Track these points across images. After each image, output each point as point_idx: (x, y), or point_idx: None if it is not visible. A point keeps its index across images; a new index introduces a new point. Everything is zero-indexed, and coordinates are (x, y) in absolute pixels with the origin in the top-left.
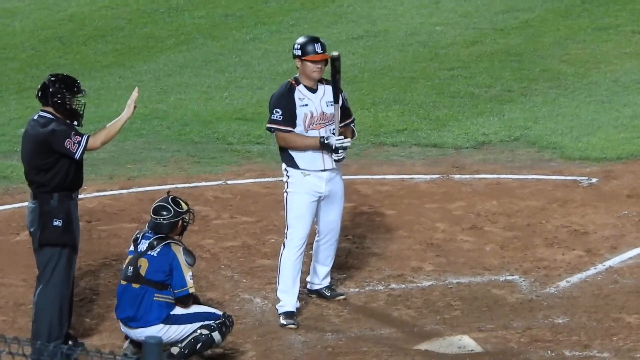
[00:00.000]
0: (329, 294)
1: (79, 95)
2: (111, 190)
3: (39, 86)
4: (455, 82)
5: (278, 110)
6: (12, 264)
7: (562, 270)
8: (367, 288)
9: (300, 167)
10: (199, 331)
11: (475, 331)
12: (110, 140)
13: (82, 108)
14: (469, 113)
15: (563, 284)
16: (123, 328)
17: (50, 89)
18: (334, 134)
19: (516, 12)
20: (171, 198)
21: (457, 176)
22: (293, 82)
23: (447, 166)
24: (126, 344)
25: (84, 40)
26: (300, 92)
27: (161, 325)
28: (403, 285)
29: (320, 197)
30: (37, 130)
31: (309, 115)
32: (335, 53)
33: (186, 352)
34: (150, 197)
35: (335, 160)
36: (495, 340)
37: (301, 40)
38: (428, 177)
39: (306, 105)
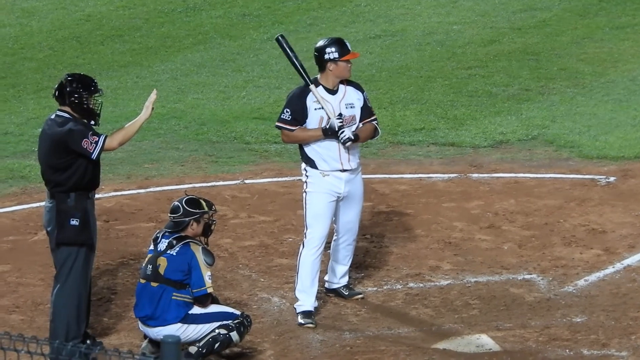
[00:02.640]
0: (346, 293)
1: (96, 95)
2: (129, 189)
3: (56, 85)
4: (472, 81)
5: (288, 110)
6: (30, 264)
7: (580, 269)
8: (385, 287)
9: (319, 168)
10: (217, 331)
11: (493, 330)
12: (128, 141)
13: (99, 107)
14: (486, 112)
15: (581, 282)
16: (141, 327)
17: (68, 89)
18: (339, 122)
19: (534, 11)
20: (188, 198)
21: (474, 175)
22: (312, 84)
23: (464, 165)
24: (144, 343)
25: (102, 40)
26: (318, 93)
27: (179, 324)
28: (421, 284)
29: (339, 197)
30: (54, 129)
31: (326, 118)
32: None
33: (204, 351)
34: (168, 196)
35: (343, 143)
36: (514, 339)
37: (330, 43)
38: (446, 176)
39: (322, 108)
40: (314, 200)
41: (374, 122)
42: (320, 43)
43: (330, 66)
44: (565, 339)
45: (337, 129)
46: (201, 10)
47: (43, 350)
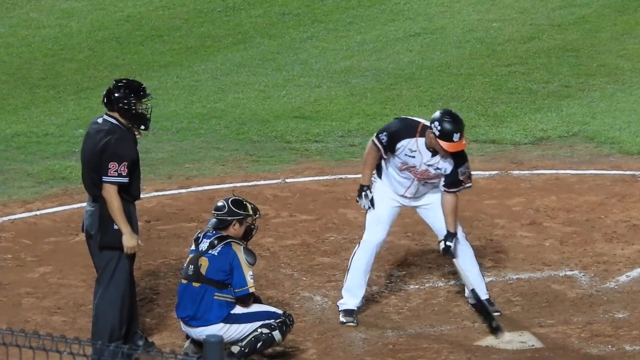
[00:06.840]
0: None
1: (145, 100)
2: (170, 189)
3: (105, 92)
4: (512, 78)
5: (386, 135)
6: (72, 265)
7: (621, 265)
8: (427, 285)
9: (384, 180)
10: (259, 330)
11: (535, 327)
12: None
13: (150, 112)
14: (526, 109)
15: (623, 278)
16: (183, 327)
17: (115, 95)
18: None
19: (573, 7)
20: (234, 199)
21: (515, 172)
22: (419, 133)
23: (505, 162)
24: (187, 343)
25: (141, 41)
26: (417, 145)
27: (221, 324)
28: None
29: (402, 205)
30: (99, 135)
31: (408, 165)
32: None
33: (247, 351)
34: (209, 196)
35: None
36: (556, 336)
37: (444, 121)
38: (487, 173)
39: (413, 157)
40: (376, 203)
41: (456, 192)
42: (436, 114)
43: (431, 134)
44: (608, 335)
45: (364, 204)
46: (240, 10)
47: (85, 352)
